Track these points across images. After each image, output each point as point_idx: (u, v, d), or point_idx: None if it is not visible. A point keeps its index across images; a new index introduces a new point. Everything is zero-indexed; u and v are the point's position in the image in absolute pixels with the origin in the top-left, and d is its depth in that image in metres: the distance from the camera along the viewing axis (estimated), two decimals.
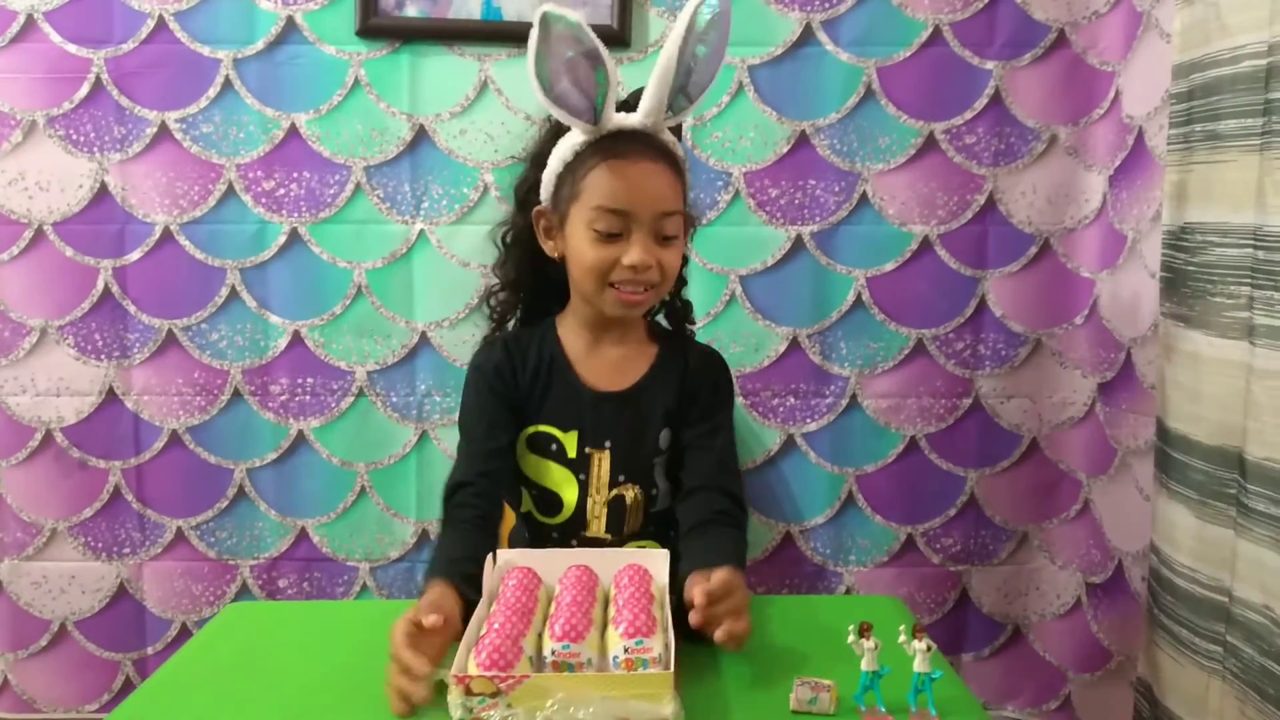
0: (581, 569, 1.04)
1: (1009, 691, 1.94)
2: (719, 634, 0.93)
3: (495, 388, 1.26)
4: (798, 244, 1.80)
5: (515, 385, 1.26)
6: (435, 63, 1.75)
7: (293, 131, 1.76)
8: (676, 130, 1.25)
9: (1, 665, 1.87)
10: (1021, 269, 1.82)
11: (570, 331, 1.29)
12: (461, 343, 1.80)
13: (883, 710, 0.89)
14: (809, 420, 1.85)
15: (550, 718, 0.80)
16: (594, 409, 1.25)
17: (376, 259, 1.79)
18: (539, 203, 1.25)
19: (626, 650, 0.89)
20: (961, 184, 1.80)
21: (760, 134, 1.77)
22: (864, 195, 1.79)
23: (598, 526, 1.26)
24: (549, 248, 1.25)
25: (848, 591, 1.89)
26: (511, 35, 1.74)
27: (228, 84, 1.75)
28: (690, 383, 1.28)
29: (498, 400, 1.26)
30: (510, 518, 1.38)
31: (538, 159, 1.26)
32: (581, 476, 1.25)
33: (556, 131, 1.23)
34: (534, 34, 1.10)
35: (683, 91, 1.17)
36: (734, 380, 1.38)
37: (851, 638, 0.90)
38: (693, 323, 1.39)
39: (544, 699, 0.81)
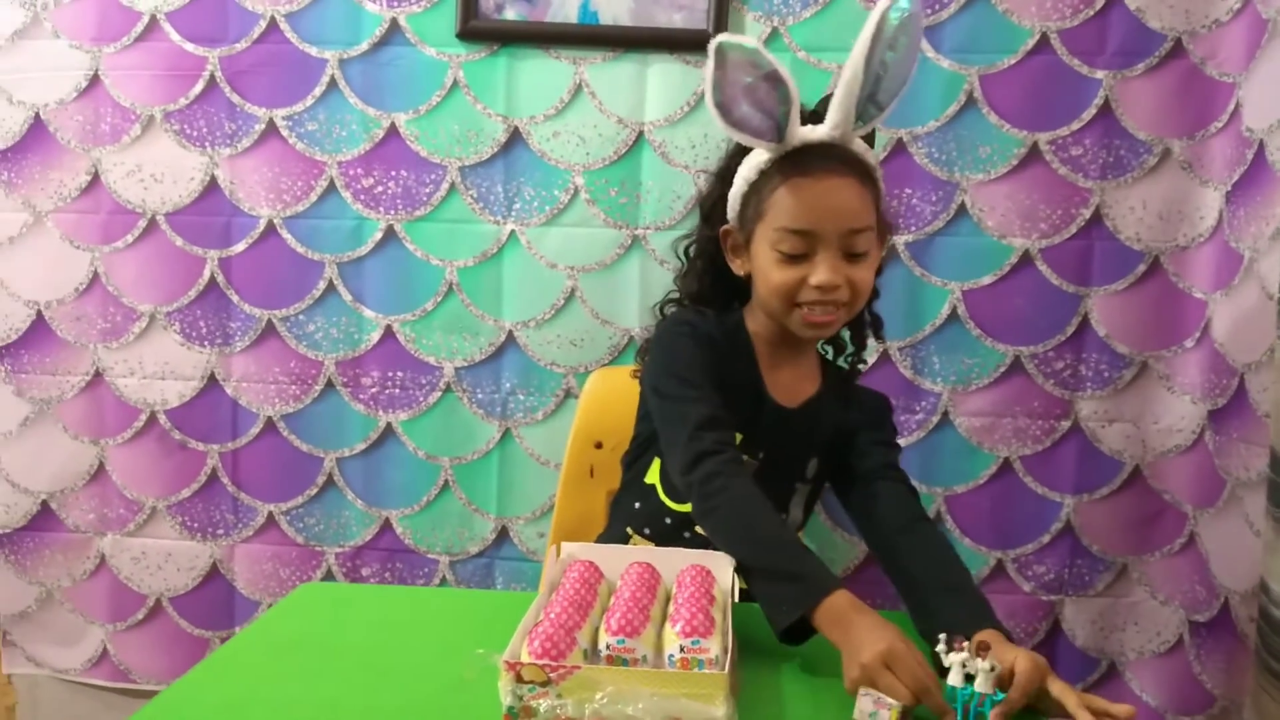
0: (644, 566, 1.03)
1: None
2: None
3: (706, 350, 1.20)
4: (891, 254, 1.75)
5: (715, 362, 1.20)
6: (531, 65, 1.77)
7: (392, 131, 1.80)
8: (870, 138, 1.20)
9: (102, 635, 1.95)
10: (1128, 287, 1.74)
11: (759, 336, 1.26)
12: (547, 343, 1.82)
13: None
14: (898, 437, 1.79)
15: (599, 711, 0.79)
16: (768, 420, 1.22)
17: (468, 258, 1.82)
18: (725, 219, 1.23)
19: (683, 649, 0.87)
20: (1066, 197, 1.73)
21: None
22: (962, 205, 1.74)
23: None
24: (736, 265, 1.23)
25: None
26: (607, 39, 1.75)
27: (332, 83, 1.80)
28: (854, 420, 1.25)
29: (712, 358, 1.20)
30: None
31: (724, 175, 1.24)
32: None
33: (743, 148, 1.20)
34: (709, 63, 1.08)
35: (872, 100, 1.11)
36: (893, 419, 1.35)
37: (956, 653, 0.87)
38: (881, 338, 1.34)
39: (594, 691, 0.79)
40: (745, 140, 1.13)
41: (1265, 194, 1.55)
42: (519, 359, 1.83)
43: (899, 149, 1.74)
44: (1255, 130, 1.58)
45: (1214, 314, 1.69)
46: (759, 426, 1.22)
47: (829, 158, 1.12)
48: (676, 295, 1.32)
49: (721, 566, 1.05)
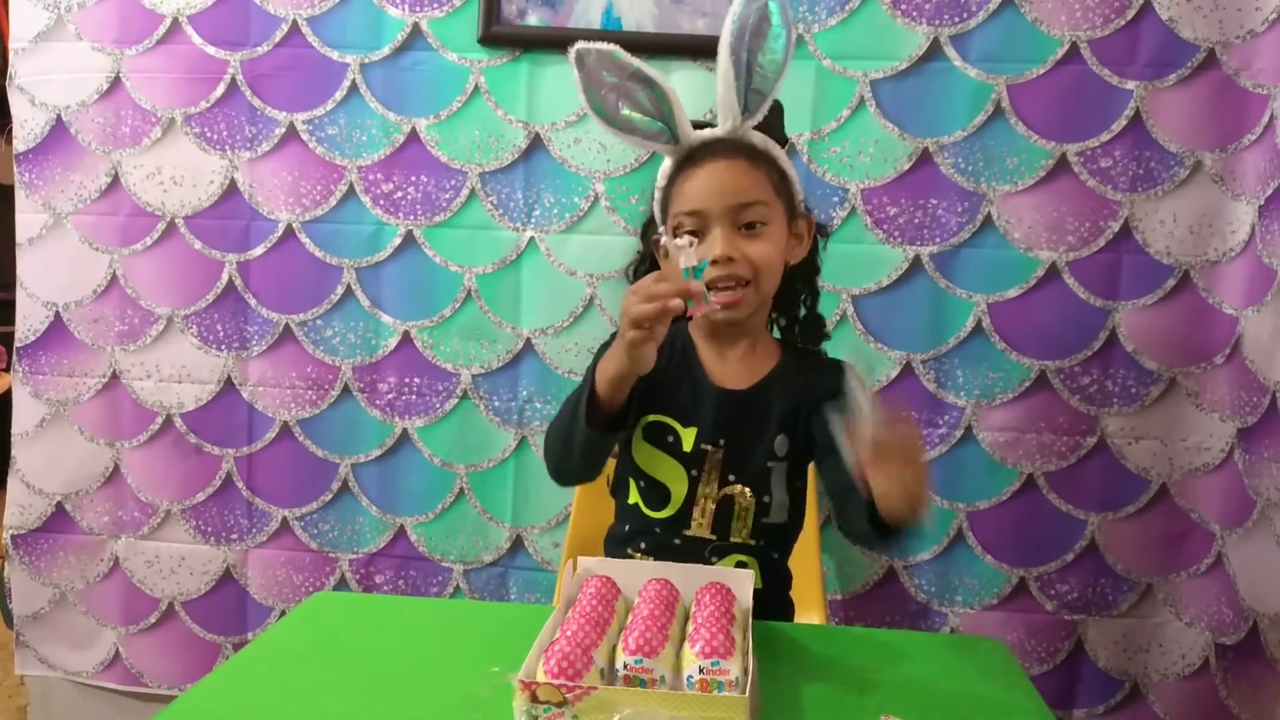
0: (662, 583, 1.01)
1: None
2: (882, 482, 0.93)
3: None
4: (915, 265, 1.74)
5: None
6: (553, 71, 1.76)
7: (413, 136, 1.79)
8: (778, 129, 1.25)
9: (114, 638, 1.94)
10: (1157, 302, 1.71)
11: (698, 330, 1.29)
12: (565, 351, 1.80)
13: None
14: None
15: None
16: (715, 405, 1.23)
17: (487, 264, 1.80)
18: (658, 234, 1.27)
19: (702, 670, 0.85)
20: (1094, 209, 1.70)
21: (881, 150, 1.72)
22: (988, 217, 1.72)
23: (703, 525, 1.23)
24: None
25: (951, 633, 1.80)
26: (631, 45, 1.67)
27: (353, 88, 1.79)
28: (813, 391, 1.23)
29: None
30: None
31: (654, 192, 1.29)
32: (693, 472, 1.23)
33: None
34: (574, 73, 1.17)
35: (753, 90, 1.18)
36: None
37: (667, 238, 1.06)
38: (825, 337, 1.35)
39: (610, 713, 0.77)
40: (639, 144, 1.23)
41: None
42: (536, 366, 1.82)
43: (924, 159, 1.72)
44: None
45: (1245, 330, 1.66)
46: (708, 414, 1.23)
47: (719, 147, 1.19)
48: None
49: (742, 584, 1.03)
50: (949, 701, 0.93)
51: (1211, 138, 1.67)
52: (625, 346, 1.02)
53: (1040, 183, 1.71)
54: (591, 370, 1.12)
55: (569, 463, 1.17)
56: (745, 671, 0.86)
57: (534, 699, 0.79)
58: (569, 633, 0.87)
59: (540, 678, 0.81)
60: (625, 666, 0.86)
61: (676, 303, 0.99)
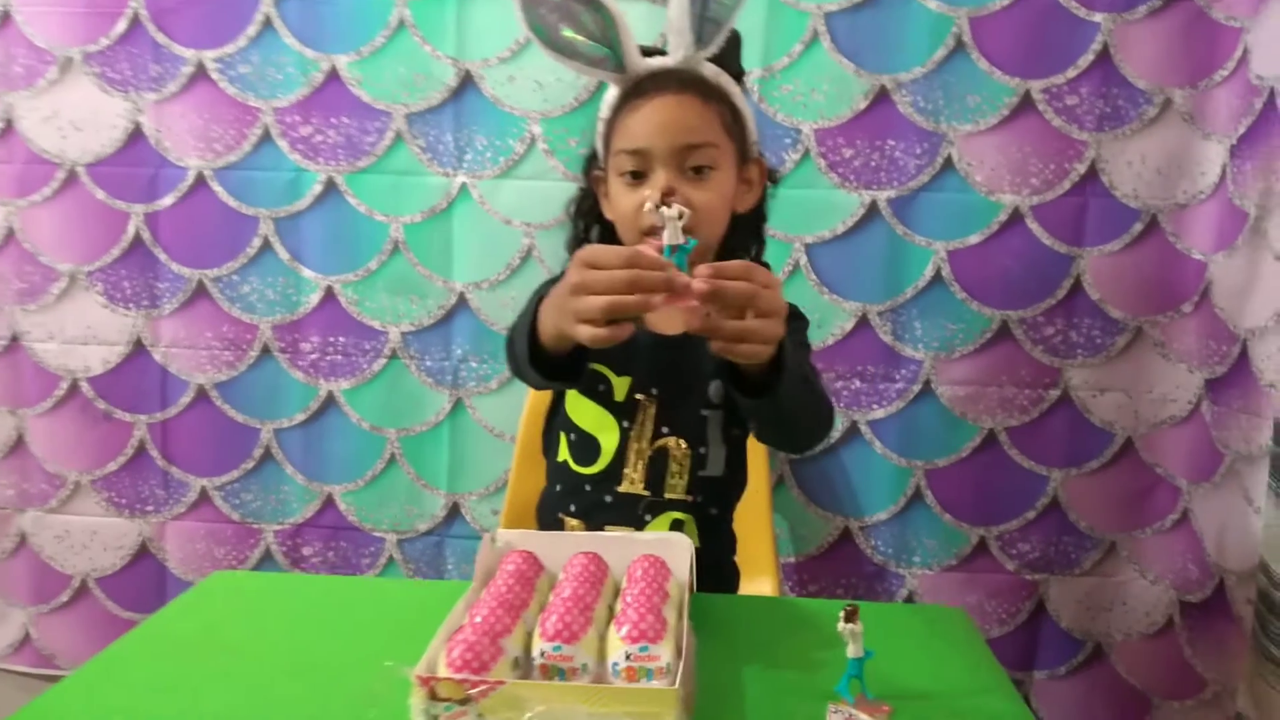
0: (589, 557, 0.90)
1: (1084, 715, 1.78)
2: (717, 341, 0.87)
3: None
4: (872, 210, 1.65)
5: None
6: (484, 4, 1.64)
7: (333, 75, 1.68)
8: (733, 68, 1.16)
9: (23, 619, 1.85)
10: (1124, 248, 1.64)
11: None
12: (501, 306, 1.71)
13: (870, 698, 0.80)
14: (876, 406, 1.71)
15: None
16: (649, 353, 1.15)
17: (415, 213, 1.70)
18: (600, 170, 1.19)
19: (629, 657, 0.75)
20: (1059, 150, 1.63)
21: (835, 88, 1.63)
22: (949, 159, 1.64)
23: (635, 481, 1.16)
24: (607, 211, 1.19)
25: (909, 596, 1.75)
26: None
27: (267, 23, 1.68)
28: None
29: None
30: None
31: (596, 124, 1.19)
32: (625, 424, 1.16)
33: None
34: None
35: (708, 18, 1.08)
36: (806, 334, 1.24)
37: (840, 624, 0.79)
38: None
39: (521, 711, 0.68)
40: (580, 70, 1.13)
41: (1272, 148, 1.44)
42: (471, 323, 1.72)
43: (881, 97, 1.63)
44: (1265, 78, 1.47)
45: (1214, 276, 1.59)
46: (640, 362, 1.16)
47: (668, 79, 1.10)
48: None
49: (679, 555, 0.93)
50: (907, 681, 0.84)
51: (1182, 73, 1.60)
52: (577, 335, 0.88)
53: (1003, 122, 1.63)
54: (534, 305, 1.00)
55: (529, 383, 1.09)
56: (678, 655, 0.77)
57: (433, 696, 0.69)
58: (478, 618, 0.77)
59: (442, 671, 0.71)
60: (542, 654, 0.76)
61: (659, 299, 0.84)
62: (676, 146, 1.07)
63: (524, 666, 0.77)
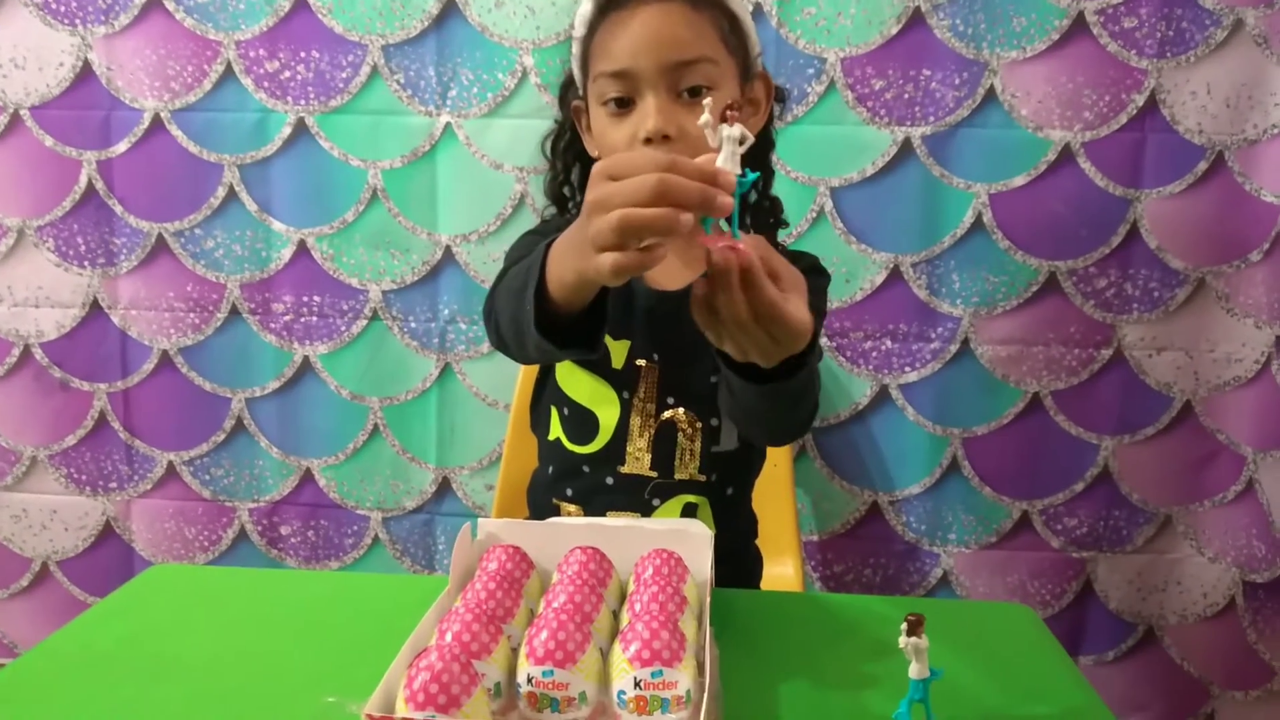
0: (589, 553, 0.75)
1: (1135, 703, 1.67)
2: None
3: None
4: (905, 149, 1.52)
5: None
6: None
7: (301, 3, 1.54)
8: None
9: None
10: (1186, 189, 1.51)
11: None
12: (491, 260, 1.58)
13: None
14: (909, 369, 1.58)
15: None
16: (648, 313, 1.03)
17: (395, 157, 1.57)
18: (580, 99, 1.06)
19: (638, 684, 0.61)
20: (1115, 80, 1.49)
21: (864, 10, 1.48)
22: (991, 90, 1.50)
23: (642, 461, 1.04)
24: (590, 148, 1.06)
25: (944, 576, 1.62)
26: None
27: None
28: None
29: None
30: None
31: (570, 44, 1.05)
32: (625, 394, 1.04)
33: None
34: None
35: None
36: (826, 294, 1.10)
37: (902, 638, 0.65)
38: (783, 224, 1.15)
39: None
40: None
41: None
42: (459, 280, 1.60)
43: (916, 20, 1.48)
44: None
45: None
46: (639, 321, 1.03)
47: None
48: (546, 208, 1.16)
49: (697, 549, 0.77)
50: (973, 700, 0.70)
51: None
52: (597, 268, 0.66)
53: (1052, 48, 1.49)
54: (543, 254, 0.77)
55: (524, 356, 0.90)
56: (701, 679, 0.62)
57: None
58: (449, 635, 0.62)
59: (400, 709, 0.56)
60: (530, 681, 0.61)
61: (688, 217, 0.64)
62: (666, 65, 0.93)
63: (506, 696, 0.62)
